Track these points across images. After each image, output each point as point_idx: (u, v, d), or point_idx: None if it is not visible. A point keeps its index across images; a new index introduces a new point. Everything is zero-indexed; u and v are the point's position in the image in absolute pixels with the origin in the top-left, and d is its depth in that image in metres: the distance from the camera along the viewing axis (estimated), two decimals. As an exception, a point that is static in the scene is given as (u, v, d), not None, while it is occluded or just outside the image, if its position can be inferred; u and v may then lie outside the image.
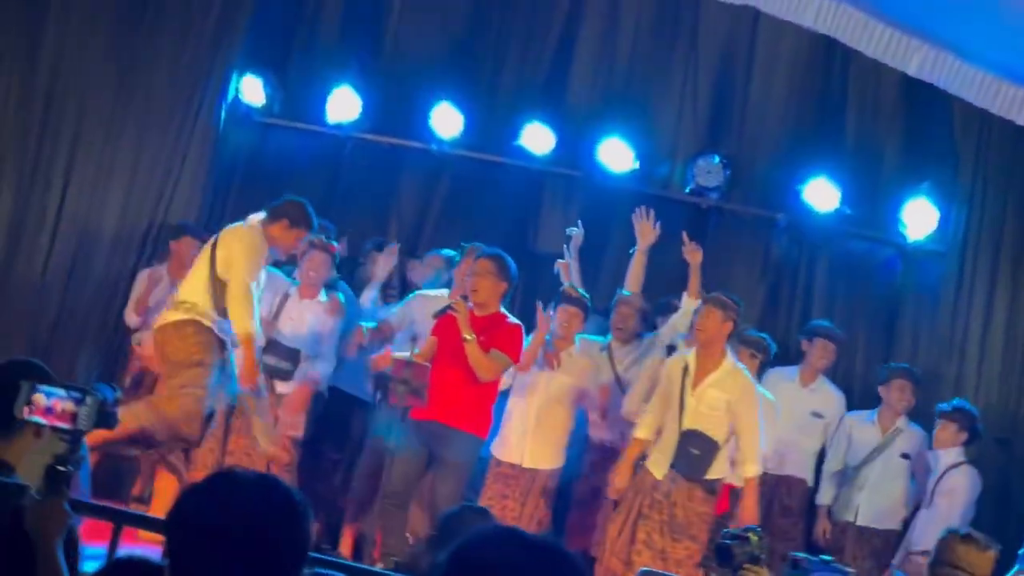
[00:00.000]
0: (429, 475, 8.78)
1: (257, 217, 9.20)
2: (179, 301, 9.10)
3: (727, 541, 5.47)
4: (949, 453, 9.36)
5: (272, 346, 9.61)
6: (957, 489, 9.26)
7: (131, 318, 10.56)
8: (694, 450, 8.70)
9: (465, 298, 8.78)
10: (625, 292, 9.85)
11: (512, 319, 9.00)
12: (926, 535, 8.86)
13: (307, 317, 9.73)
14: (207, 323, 9.01)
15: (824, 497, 9.88)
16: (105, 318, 10.94)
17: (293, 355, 9.66)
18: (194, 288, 9.08)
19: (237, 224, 9.24)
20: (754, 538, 5.43)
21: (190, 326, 9.00)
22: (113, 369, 10.69)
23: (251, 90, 11.33)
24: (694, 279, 9.62)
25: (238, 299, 8.95)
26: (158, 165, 11.11)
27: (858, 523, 9.70)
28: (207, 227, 10.72)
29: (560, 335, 9.56)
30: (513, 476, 9.45)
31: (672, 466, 8.73)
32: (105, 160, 11.14)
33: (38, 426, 4.38)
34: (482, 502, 9.37)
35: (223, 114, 11.22)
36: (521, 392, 9.54)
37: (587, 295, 9.68)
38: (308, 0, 11.48)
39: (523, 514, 9.36)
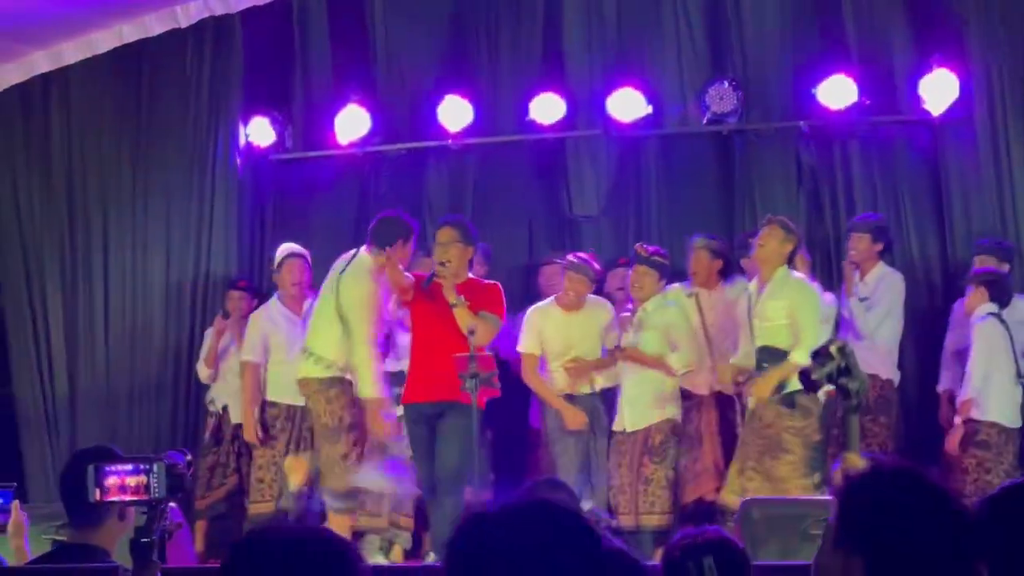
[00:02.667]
0: None
1: (365, 253, 9.17)
2: (314, 354, 9.17)
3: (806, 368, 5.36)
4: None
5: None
6: None
7: (203, 372, 10.71)
8: (765, 364, 8.78)
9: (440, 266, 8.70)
10: (696, 237, 9.84)
11: (485, 280, 9.06)
12: None
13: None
14: (347, 377, 9.13)
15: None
16: (176, 381, 11.10)
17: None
18: (326, 340, 9.15)
19: (351, 262, 9.21)
20: (834, 351, 5.25)
21: (335, 387, 9.12)
22: (196, 428, 10.84)
23: (259, 132, 11.42)
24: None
25: (363, 361, 9.01)
26: (189, 225, 11.30)
27: None
28: (249, 273, 10.93)
29: (635, 297, 9.58)
30: (622, 443, 9.48)
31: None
32: (138, 234, 11.33)
33: (119, 506, 4.46)
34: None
35: (238, 162, 11.35)
36: None
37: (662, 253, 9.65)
38: (293, 31, 11.51)
39: (638, 477, 9.39)
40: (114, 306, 11.29)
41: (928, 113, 10.44)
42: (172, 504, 6.54)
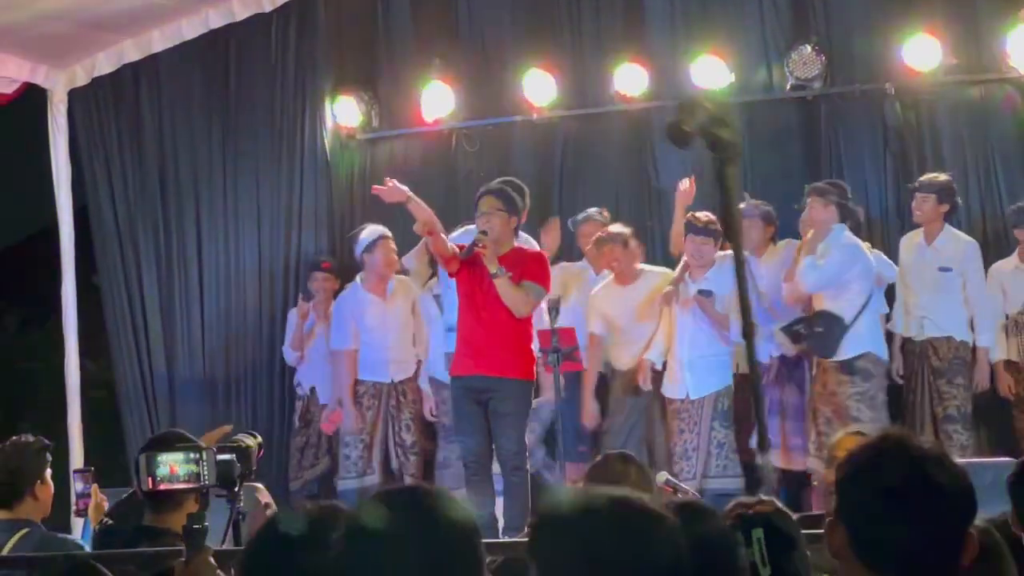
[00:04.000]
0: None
1: None
2: None
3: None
4: None
5: None
6: None
7: (289, 355, 10.85)
8: (818, 328, 8.78)
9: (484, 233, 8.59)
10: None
11: (532, 247, 9.03)
12: None
13: None
14: None
15: (998, 352, 9.73)
16: (272, 362, 11.26)
17: None
18: None
19: None
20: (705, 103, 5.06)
21: None
22: (291, 410, 10.98)
23: (346, 112, 11.53)
24: None
25: None
26: (279, 208, 11.46)
27: None
28: (340, 253, 11.04)
29: (696, 265, 9.59)
30: (684, 410, 9.51)
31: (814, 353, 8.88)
32: (230, 218, 11.51)
33: (180, 492, 4.55)
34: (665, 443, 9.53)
35: (327, 142, 11.47)
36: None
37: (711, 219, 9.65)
38: (376, 9, 11.61)
39: (710, 441, 9.43)
40: (208, 288, 11.48)
41: (1016, 70, 10.30)
42: (257, 485, 6.68)
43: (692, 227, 9.59)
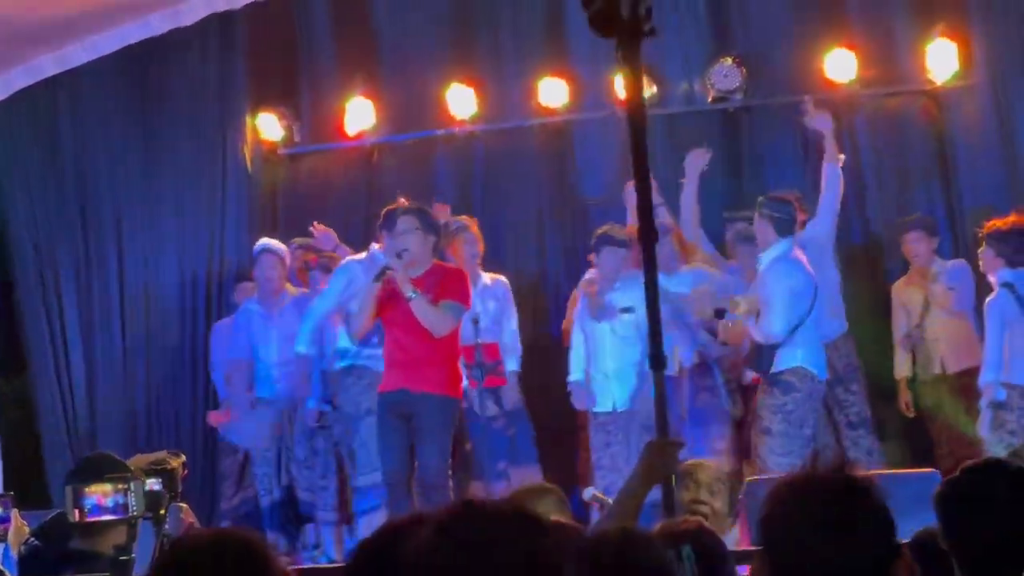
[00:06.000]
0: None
1: None
2: None
3: None
4: None
5: None
6: None
7: (216, 376, 10.82)
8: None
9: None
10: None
11: (450, 264, 9.07)
12: None
13: None
14: None
15: (898, 369, 9.90)
16: (194, 379, 11.17)
17: None
18: None
19: None
20: None
21: None
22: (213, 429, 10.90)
23: (268, 127, 11.49)
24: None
25: None
26: (201, 223, 11.38)
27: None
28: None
29: (604, 276, 9.64)
30: (612, 422, 9.52)
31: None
32: (152, 233, 11.38)
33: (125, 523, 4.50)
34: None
35: (249, 157, 11.42)
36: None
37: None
38: (298, 26, 11.56)
39: (631, 456, 9.45)
40: (130, 303, 11.35)
41: (931, 83, 10.46)
42: (182, 505, 6.61)
43: (610, 239, 9.61)
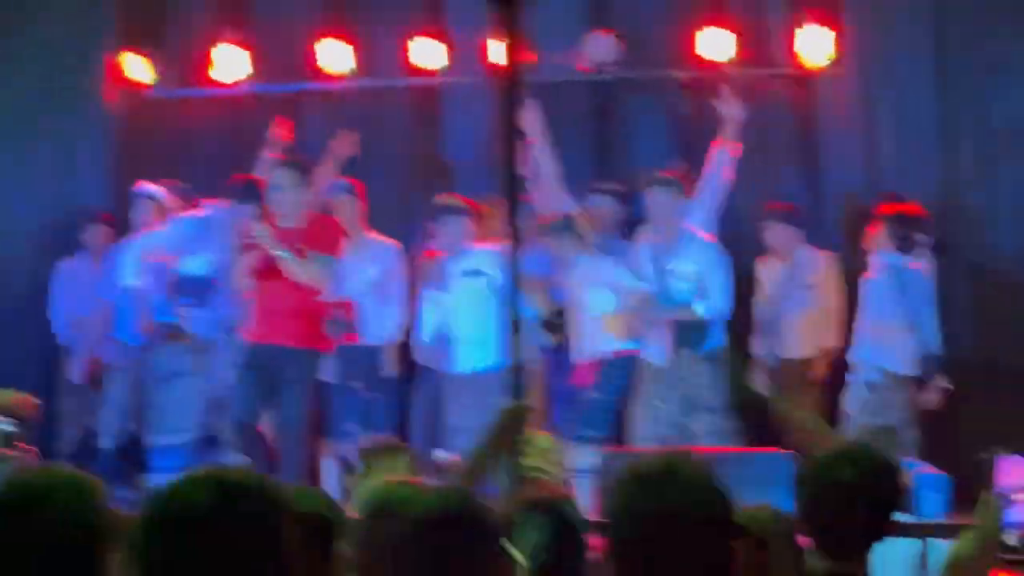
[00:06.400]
0: None
1: None
2: None
3: None
4: None
5: None
6: None
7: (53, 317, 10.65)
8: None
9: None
10: None
11: (327, 216, 9.17)
12: None
13: None
14: None
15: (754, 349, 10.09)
16: (40, 317, 10.94)
17: None
18: None
19: None
20: None
21: None
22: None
23: (135, 67, 11.27)
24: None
25: None
26: (57, 160, 11.14)
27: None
28: (117, 211, 10.79)
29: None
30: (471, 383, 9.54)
31: None
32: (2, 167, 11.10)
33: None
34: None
35: (113, 97, 11.20)
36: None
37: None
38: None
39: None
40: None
41: (802, 67, 10.60)
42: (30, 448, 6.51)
43: (449, 208, 9.61)
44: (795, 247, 9.94)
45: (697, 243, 9.41)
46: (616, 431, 9.30)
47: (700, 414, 9.25)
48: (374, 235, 9.98)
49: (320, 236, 8.72)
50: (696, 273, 9.32)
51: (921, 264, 9.36)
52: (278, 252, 8.46)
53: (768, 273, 10.07)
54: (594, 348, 9.31)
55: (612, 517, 2.98)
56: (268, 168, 9.23)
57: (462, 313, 9.53)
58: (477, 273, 9.39)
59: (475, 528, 3.13)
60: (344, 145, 10.16)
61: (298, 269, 8.45)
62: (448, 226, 9.55)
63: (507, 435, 4.27)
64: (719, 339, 9.40)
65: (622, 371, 9.26)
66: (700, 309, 9.32)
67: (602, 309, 9.32)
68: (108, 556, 2.68)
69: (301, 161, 9.01)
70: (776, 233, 9.98)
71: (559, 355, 9.67)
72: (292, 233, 8.66)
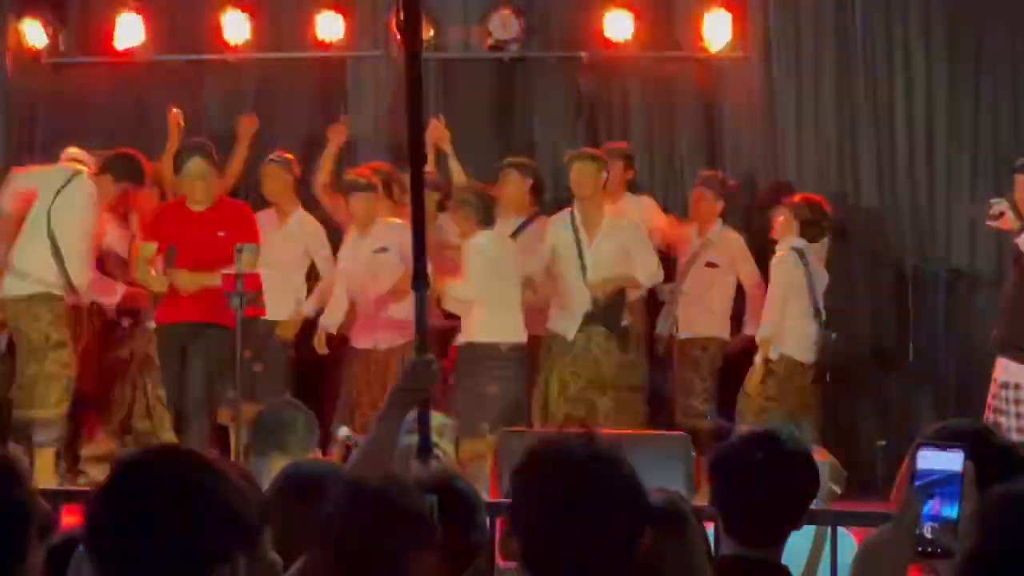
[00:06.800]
0: None
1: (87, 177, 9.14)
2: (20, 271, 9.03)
3: None
4: None
5: None
6: None
7: None
8: None
9: None
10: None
11: (233, 199, 9.48)
12: None
13: None
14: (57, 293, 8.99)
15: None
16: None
17: None
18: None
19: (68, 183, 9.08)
20: None
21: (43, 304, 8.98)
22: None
23: (32, 33, 11.07)
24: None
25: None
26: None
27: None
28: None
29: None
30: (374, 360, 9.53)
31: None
32: None
33: None
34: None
35: (8, 63, 11.00)
36: None
37: None
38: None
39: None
40: None
41: (705, 51, 10.64)
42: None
43: (355, 184, 9.56)
44: (714, 223, 9.96)
45: (617, 221, 9.47)
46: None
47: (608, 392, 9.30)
48: (302, 210, 10.00)
49: (240, 223, 8.99)
50: (618, 249, 9.35)
51: (822, 253, 9.52)
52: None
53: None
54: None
55: (516, 498, 2.97)
56: (175, 155, 9.35)
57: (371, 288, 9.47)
58: (385, 249, 9.34)
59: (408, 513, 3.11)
60: (247, 126, 10.22)
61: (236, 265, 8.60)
62: (355, 203, 9.50)
63: (411, 393, 4.22)
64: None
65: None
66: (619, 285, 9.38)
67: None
68: (34, 541, 2.62)
69: (208, 146, 9.16)
70: (699, 203, 9.99)
71: None
72: (207, 215, 8.90)
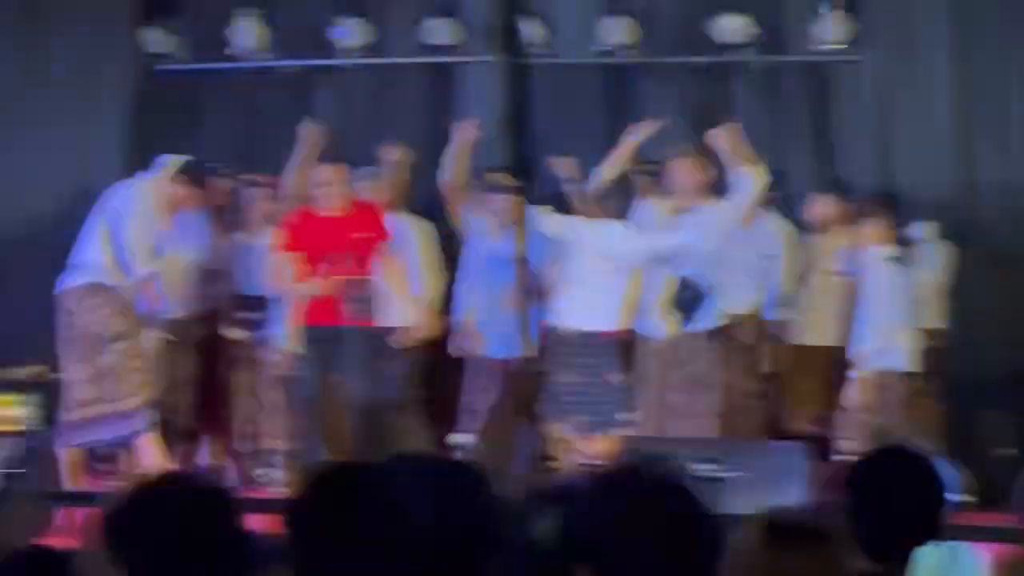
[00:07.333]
0: None
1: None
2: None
3: None
4: None
5: None
6: None
7: None
8: None
9: None
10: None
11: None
12: None
13: None
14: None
15: None
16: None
17: None
18: None
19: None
20: None
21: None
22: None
23: (152, 40, 11.26)
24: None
25: None
26: (78, 134, 11.07)
27: None
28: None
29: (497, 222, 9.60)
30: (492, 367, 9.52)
31: None
32: (22, 142, 11.04)
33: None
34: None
35: (132, 70, 11.20)
36: None
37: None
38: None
39: None
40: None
41: (818, 52, 10.61)
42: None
43: (496, 187, 9.54)
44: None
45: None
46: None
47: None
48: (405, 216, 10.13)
49: (370, 223, 9.27)
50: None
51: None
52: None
53: None
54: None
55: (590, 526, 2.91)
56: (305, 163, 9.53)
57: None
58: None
59: None
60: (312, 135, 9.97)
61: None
62: (500, 202, 9.53)
63: (525, 403, 4.23)
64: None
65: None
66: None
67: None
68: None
69: (339, 153, 9.42)
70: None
71: None
72: (341, 222, 9.13)
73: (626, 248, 9.12)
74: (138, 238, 9.11)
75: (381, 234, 9.28)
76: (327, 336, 9.16)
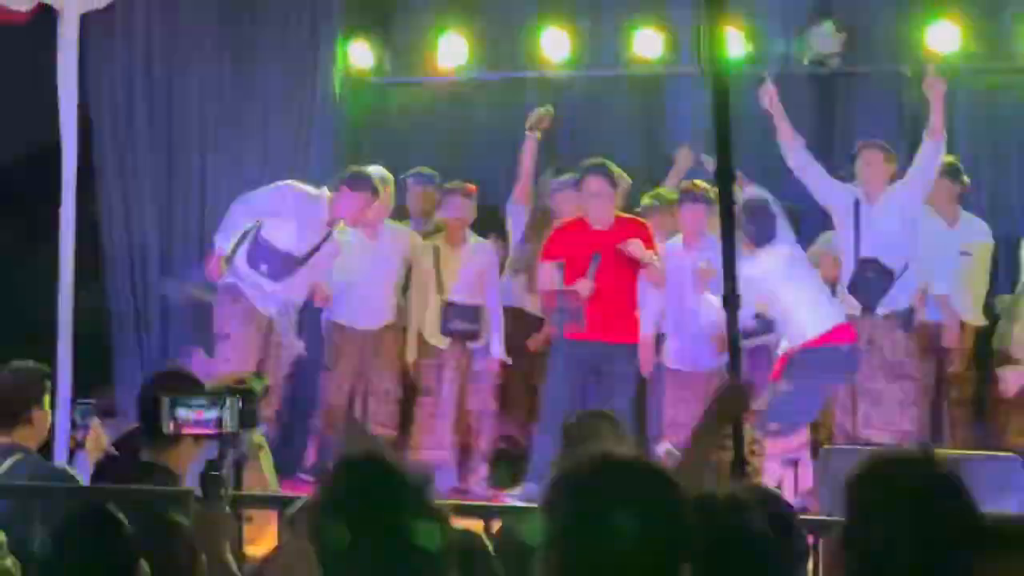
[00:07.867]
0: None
1: None
2: None
3: None
4: None
5: None
6: None
7: None
8: None
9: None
10: None
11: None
12: None
13: None
14: None
15: None
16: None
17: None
18: None
19: None
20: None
21: None
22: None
23: (359, 55, 11.44)
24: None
25: None
26: (287, 146, 11.23)
27: None
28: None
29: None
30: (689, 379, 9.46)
31: None
32: (235, 152, 11.26)
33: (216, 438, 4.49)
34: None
35: (338, 84, 11.35)
36: None
37: None
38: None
39: None
40: (210, 227, 11.21)
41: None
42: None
43: (693, 196, 9.51)
44: None
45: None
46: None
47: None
48: None
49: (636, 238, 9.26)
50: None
51: None
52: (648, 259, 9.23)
53: None
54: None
55: (853, 516, 2.90)
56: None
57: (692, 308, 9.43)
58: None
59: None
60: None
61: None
62: (686, 216, 9.54)
63: (725, 415, 4.24)
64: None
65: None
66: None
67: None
68: None
69: (607, 165, 9.46)
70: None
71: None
72: (607, 236, 9.23)
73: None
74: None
75: (649, 247, 9.29)
76: (583, 350, 9.20)
